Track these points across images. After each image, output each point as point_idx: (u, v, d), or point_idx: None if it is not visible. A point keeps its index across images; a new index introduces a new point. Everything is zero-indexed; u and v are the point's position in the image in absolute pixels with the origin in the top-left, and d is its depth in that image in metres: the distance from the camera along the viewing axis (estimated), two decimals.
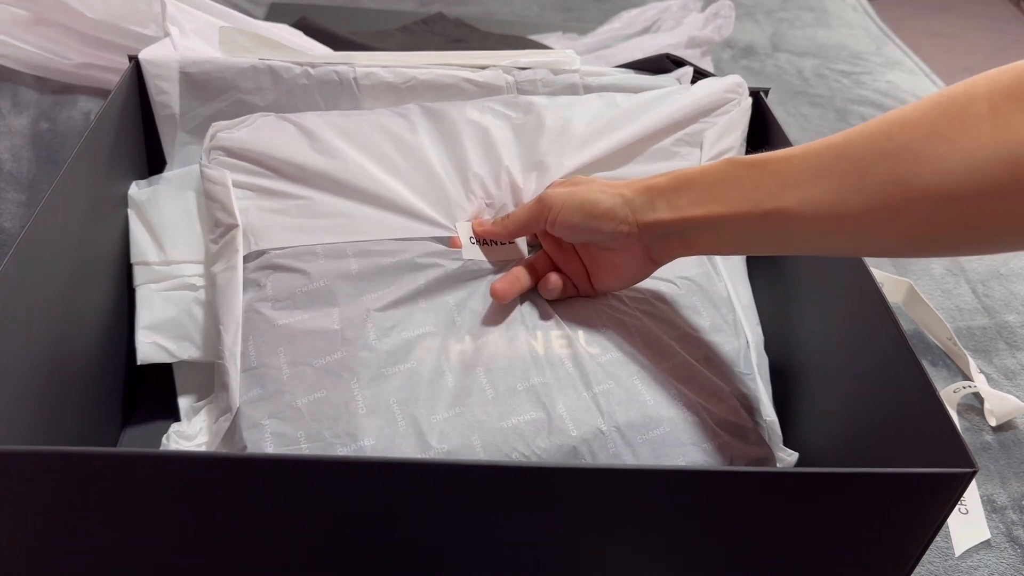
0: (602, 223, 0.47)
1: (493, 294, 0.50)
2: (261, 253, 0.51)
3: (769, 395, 0.53)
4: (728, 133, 0.62)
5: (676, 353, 0.51)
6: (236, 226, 0.51)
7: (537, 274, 0.52)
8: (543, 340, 0.50)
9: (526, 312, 0.51)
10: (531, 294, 0.52)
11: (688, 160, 0.60)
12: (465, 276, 0.52)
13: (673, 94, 0.62)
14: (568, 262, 0.52)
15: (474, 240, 0.53)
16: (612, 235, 0.47)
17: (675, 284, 0.54)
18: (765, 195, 0.41)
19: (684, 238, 0.46)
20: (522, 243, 0.55)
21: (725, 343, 0.53)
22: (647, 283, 0.53)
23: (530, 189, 0.56)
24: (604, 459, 0.46)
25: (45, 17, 0.79)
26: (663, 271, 0.51)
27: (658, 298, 0.53)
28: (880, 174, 0.37)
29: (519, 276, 0.51)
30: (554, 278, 0.51)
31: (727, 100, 0.62)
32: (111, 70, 0.81)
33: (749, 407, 0.50)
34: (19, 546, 0.38)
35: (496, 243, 0.54)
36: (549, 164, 0.56)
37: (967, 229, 0.36)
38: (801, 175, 0.40)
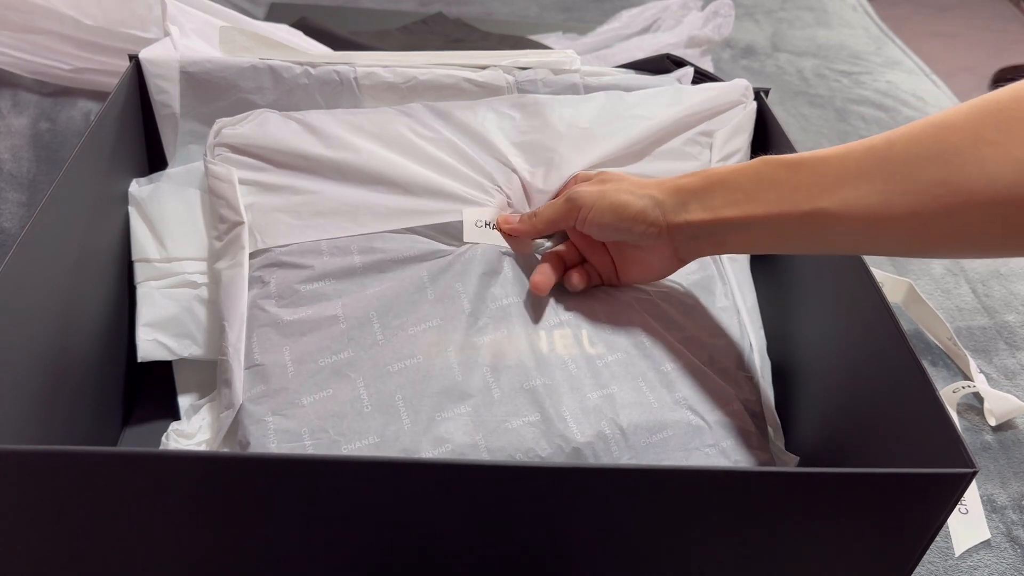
0: (632, 224, 0.47)
1: (533, 287, 0.50)
2: (265, 250, 0.50)
3: (771, 398, 0.53)
4: (737, 135, 0.62)
5: (681, 355, 0.51)
6: (242, 223, 0.51)
7: (565, 264, 0.52)
8: (548, 340, 0.50)
9: (532, 311, 0.51)
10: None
11: (699, 160, 0.60)
12: (471, 272, 0.51)
13: (680, 92, 0.62)
14: (595, 254, 0.52)
15: (480, 224, 0.53)
16: (642, 235, 0.47)
17: (682, 286, 0.54)
18: (804, 195, 0.41)
19: (715, 239, 0.46)
20: None
21: (730, 346, 0.53)
22: (654, 284, 0.53)
23: (537, 186, 0.56)
24: (607, 462, 0.45)
25: (40, 26, 0.79)
26: None
27: (664, 299, 0.53)
28: (927, 176, 0.37)
29: (551, 267, 0.51)
30: (576, 278, 0.51)
31: (736, 103, 0.63)
32: (110, 73, 0.81)
33: (753, 411, 0.50)
34: (19, 546, 0.38)
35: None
36: (557, 161, 0.56)
37: (1015, 233, 0.36)
38: (843, 176, 0.40)
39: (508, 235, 0.53)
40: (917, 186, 0.37)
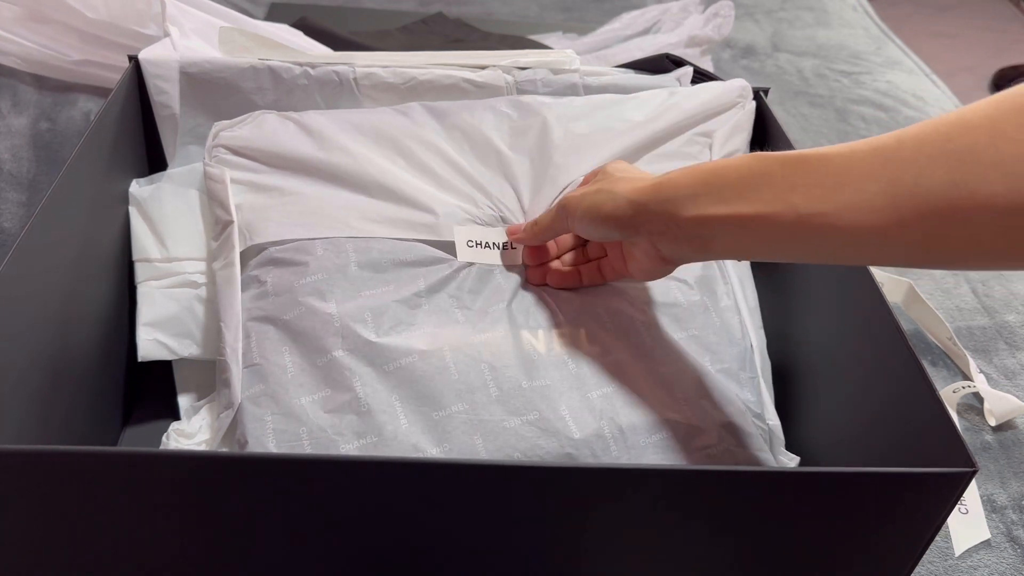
0: (603, 225, 0.46)
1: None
2: (261, 249, 0.51)
3: (771, 398, 0.53)
4: (736, 134, 0.62)
5: (682, 355, 0.50)
6: (232, 223, 0.51)
7: (588, 258, 0.53)
8: (547, 339, 0.50)
9: (532, 311, 0.51)
10: (537, 292, 0.52)
11: (699, 160, 0.60)
12: (468, 273, 0.52)
13: (677, 94, 0.62)
14: (609, 249, 0.52)
15: (471, 243, 0.53)
16: (620, 236, 0.46)
17: (683, 284, 0.54)
18: (802, 197, 0.37)
19: (698, 241, 0.42)
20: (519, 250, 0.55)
21: (731, 346, 0.52)
22: (654, 283, 0.53)
23: (532, 194, 0.56)
24: (606, 462, 0.45)
25: (45, 15, 0.79)
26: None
27: (665, 299, 0.53)
28: (939, 178, 0.33)
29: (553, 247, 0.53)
30: (556, 277, 0.52)
31: (733, 104, 0.63)
32: (111, 68, 0.81)
33: (753, 411, 0.50)
34: (19, 546, 0.38)
35: (493, 247, 0.54)
36: (552, 173, 0.56)
37: None
38: (845, 176, 0.36)
39: (513, 244, 0.53)
40: (928, 188, 0.34)
